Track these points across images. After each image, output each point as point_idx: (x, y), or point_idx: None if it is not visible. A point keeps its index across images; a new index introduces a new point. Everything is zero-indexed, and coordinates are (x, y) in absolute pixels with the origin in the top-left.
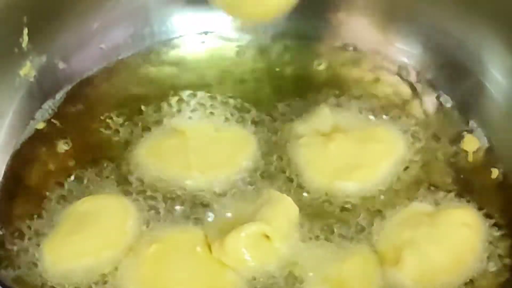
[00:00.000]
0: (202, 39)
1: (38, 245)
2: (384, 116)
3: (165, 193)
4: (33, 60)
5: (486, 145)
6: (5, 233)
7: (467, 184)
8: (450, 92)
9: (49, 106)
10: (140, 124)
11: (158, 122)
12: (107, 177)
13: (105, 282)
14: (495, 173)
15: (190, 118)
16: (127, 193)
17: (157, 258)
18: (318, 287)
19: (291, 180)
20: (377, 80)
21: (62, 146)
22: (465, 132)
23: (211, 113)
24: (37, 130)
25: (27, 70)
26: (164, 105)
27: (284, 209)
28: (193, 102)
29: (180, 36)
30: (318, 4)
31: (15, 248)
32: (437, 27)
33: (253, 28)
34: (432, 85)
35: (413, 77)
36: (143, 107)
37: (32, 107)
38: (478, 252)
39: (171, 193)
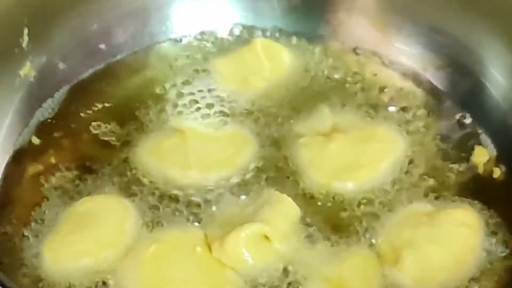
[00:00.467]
0: (202, 39)
1: (38, 245)
2: (384, 116)
3: (164, 193)
4: (33, 60)
5: (495, 153)
6: (5, 233)
7: (468, 183)
8: (450, 92)
9: (49, 106)
10: (140, 124)
11: (158, 122)
12: (107, 178)
13: (105, 282)
14: (496, 172)
15: (189, 118)
16: (127, 193)
17: (157, 258)
18: (318, 287)
19: (291, 180)
20: (377, 80)
21: (62, 146)
22: (472, 142)
23: (211, 113)
24: (37, 130)
25: (27, 70)
26: (164, 105)
27: (284, 209)
28: (193, 102)
29: (180, 36)
30: (318, 4)
31: (15, 248)
32: (437, 27)
33: (253, 28)
34: (432, 85)
35: (413, 77)
36: (143, 107)
37: (32, 107)
38: (478, 252)
39: (170, 193)
